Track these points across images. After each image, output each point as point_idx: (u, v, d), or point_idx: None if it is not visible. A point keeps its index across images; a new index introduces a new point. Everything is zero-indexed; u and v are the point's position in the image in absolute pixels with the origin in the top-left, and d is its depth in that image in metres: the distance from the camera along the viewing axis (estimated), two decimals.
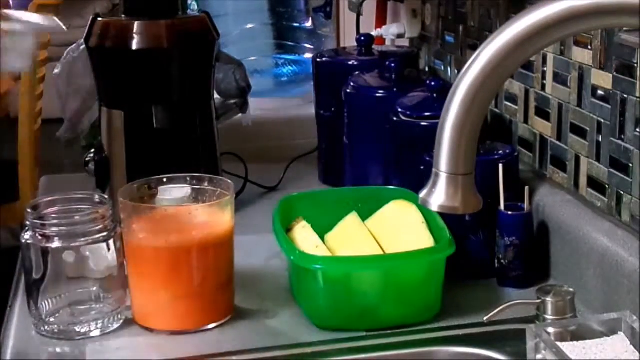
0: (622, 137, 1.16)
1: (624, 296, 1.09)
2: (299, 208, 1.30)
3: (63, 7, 3.22)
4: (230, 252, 1.20)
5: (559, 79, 1.31)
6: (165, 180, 1.24)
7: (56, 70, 1.79)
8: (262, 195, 1.69)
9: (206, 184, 1.23)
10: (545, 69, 1.35)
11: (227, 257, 1.20)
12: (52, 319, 1.17)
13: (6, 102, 3.65)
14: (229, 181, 1.22)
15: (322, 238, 1.24)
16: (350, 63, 1.69)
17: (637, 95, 1.12)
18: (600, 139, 1.21)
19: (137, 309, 1.19)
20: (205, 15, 1.54)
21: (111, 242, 1.18)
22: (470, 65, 0.79)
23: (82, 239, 1.16)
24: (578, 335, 0.99)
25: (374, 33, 1.87)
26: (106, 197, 1.24)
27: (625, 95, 1.15)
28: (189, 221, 1.18)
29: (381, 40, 2.00)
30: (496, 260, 1.27)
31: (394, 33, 1.91)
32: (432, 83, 1.40)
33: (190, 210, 1.20)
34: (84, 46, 1.56)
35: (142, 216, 1.17)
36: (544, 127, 1.36)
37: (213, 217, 1.18)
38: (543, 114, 1.37)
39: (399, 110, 1.39)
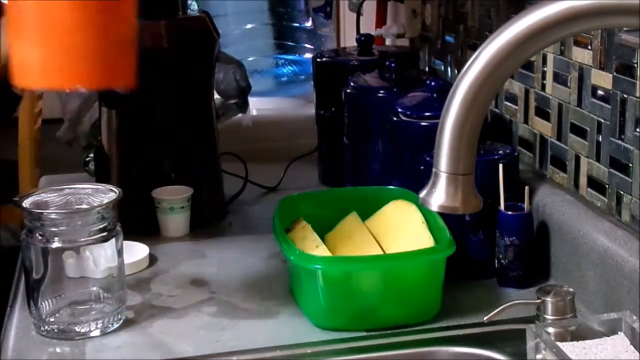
0: (622, 137, 1.16)
1: (624, 296, 1.09)
2: (299, 208, 1.30)
3: None
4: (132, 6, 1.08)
5: (559, 79, 1.31)
6: None
7: None
8: (262, 195, 1.69)
9: None
10: (545, 69, 1.35)
11: (128, 9, 1.08)
12: (52, 319, 1.17)
13: None
14: None
15: (322, 238, 1.24)
16: (350, 63, 1.69)
17: (637, 95, 1.12)
18: (600, 139, 1.21)
19: (20, 68, 1.02)
20: (205, 15, 1.54)
21: (111, 242, 1.18)
22: (470, 65, 0.79)
23: (82, 239, 1.16)
24: (578, 335, 0.99)
25: (374, 33, 1.88)
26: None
27: (625, 95, 1.14)
28: None
29: (381, 40, 2.00)
30: (496, 260, 1.27)
31: (394, 33, 1.91)
32: (432, 83, 1.40)
33: None
34: None
35: None
36: (544, 127, 1.36)
37: None
38: (543, 114, 1.37)
39: (399, 110, 1.38)
